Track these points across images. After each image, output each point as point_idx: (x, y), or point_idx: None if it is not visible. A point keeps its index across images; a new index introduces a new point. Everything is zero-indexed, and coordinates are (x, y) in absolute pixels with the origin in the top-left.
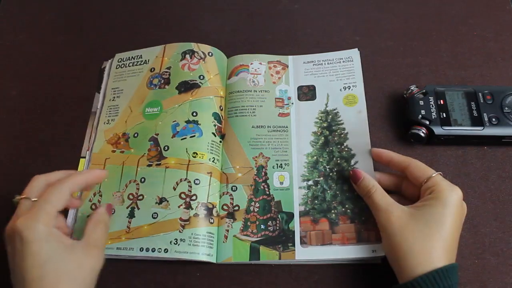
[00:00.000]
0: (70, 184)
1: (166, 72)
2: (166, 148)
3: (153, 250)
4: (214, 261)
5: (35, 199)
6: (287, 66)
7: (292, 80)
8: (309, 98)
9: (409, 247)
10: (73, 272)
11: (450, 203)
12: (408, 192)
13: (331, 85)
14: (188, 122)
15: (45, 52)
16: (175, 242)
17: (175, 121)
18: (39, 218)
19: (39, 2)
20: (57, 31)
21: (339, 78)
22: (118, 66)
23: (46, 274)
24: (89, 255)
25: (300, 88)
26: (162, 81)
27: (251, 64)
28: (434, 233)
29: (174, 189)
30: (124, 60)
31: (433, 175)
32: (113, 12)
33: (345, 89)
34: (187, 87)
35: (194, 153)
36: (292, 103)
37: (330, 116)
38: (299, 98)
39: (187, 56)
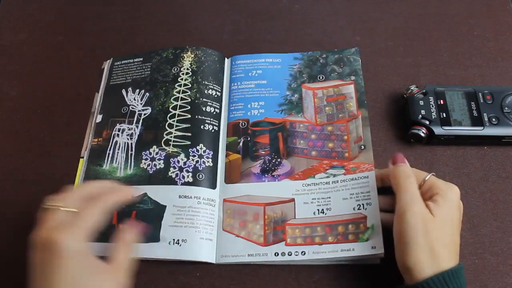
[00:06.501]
0: (112, 201)
1: None
2: None
3: None
4: (214, 261)
5: (74, 209)
6: None
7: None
8: None
9: (431, 248)
10: None
11: (453, 202)
12: None
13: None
14: None
15: (45, 52)
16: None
17: None
18: (80, 234)
19: (39, 2)
20: (57, 31)
21: None
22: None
23: None
24: (111, 279)
25: None
26: None
27: None
28: (447, 234)
29: None
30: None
31: (427, 178)
32: (113, 12)
33: None
34: None
35: None
36: None
37: None
38: None
39: None
